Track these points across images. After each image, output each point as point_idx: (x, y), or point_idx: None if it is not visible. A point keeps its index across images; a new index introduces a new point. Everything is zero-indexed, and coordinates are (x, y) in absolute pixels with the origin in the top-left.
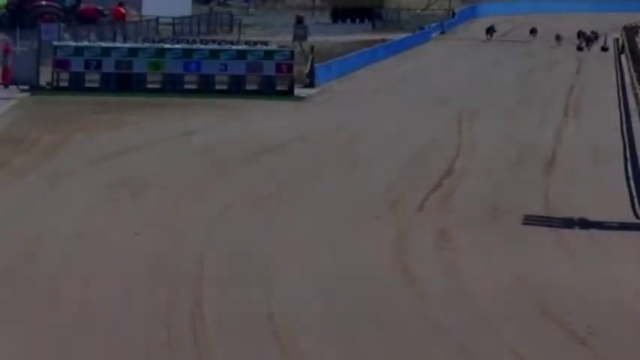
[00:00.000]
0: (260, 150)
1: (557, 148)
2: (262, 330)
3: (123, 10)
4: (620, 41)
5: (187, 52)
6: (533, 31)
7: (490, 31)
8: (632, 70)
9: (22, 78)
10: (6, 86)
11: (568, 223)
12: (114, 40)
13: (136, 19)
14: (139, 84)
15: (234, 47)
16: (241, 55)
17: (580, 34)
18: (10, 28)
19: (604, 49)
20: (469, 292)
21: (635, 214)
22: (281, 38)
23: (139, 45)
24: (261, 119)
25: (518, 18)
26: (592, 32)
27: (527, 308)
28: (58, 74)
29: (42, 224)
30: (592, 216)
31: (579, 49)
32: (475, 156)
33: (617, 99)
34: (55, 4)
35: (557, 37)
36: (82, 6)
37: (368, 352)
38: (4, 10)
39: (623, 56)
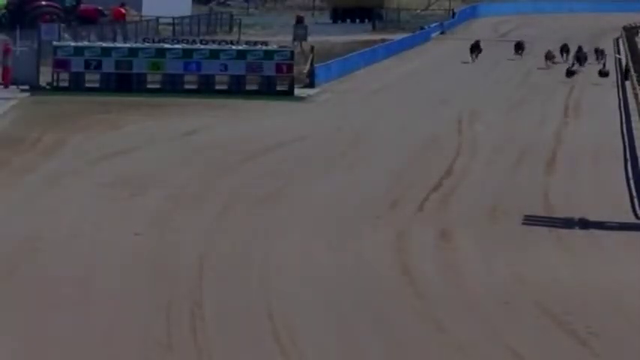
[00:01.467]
0: (260, 150)
1: (557, 148)
2: (262, 330)
3: (123, 11)
4: (624, 62)
5: (187, 52)
6: (518, 48)
7: (475, 49)
8: (632, 70)
9: (22, 78)
10: (6, 86)
11: (568, 223)
12: (114, 40)
13: (136, 19)
14: (139, 84)
15: (234, 47)
16: (241, 55)
17: (563, 50)
18: (10, 28)
19: (603, 73)
20: (469, 292)
21: (635, 214)
22: (281, 38)
23: (139, 45)
24: (261, 119)
25: (518, 18)
26: (597, 50)
27: (527, 308)
28: (58, 74)
29: (42, 224)
30: (592, 216)
31: (570, 73)
32: (475, 156)
33: (617, 99)
34: (55, 4)
35: (548, 56)
36: (82, 6)
37: (368, 352)
38: (4, 10)
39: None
